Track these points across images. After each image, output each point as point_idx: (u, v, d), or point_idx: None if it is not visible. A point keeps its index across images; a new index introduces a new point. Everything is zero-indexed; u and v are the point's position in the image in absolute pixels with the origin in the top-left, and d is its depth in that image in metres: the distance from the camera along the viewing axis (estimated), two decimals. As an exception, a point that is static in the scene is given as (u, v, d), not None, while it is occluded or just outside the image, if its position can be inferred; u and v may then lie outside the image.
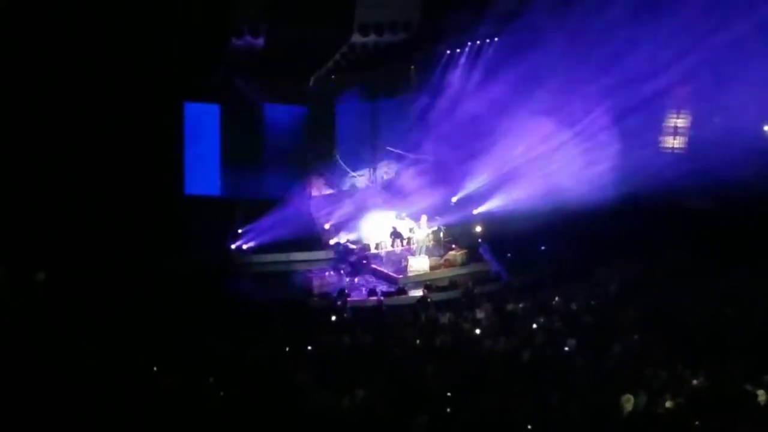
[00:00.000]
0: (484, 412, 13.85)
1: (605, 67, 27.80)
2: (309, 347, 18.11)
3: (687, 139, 31.25)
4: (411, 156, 32.26)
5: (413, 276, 27.03)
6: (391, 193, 31.13)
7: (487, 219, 29.20)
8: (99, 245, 24.16)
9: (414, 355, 17.77)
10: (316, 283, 26.66)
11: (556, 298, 22.45)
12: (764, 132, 30.05)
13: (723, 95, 27.55)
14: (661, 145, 31.60)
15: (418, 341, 19.03)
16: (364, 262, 27.88)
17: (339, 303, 23.74)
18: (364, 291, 26.02)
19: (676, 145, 31.47)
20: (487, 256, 28.21)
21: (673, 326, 18.91)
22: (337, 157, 30.74)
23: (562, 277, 25.09)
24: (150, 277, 23.07)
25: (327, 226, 29.09)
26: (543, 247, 27.78)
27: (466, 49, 31.94)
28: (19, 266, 20.36)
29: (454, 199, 30.49)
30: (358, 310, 23.70)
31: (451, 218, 29.19)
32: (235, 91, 28.13)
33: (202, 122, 28.72)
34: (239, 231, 28.06)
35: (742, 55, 26.60)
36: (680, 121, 31.39)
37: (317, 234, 28.86)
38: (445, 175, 31.03)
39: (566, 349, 17.98)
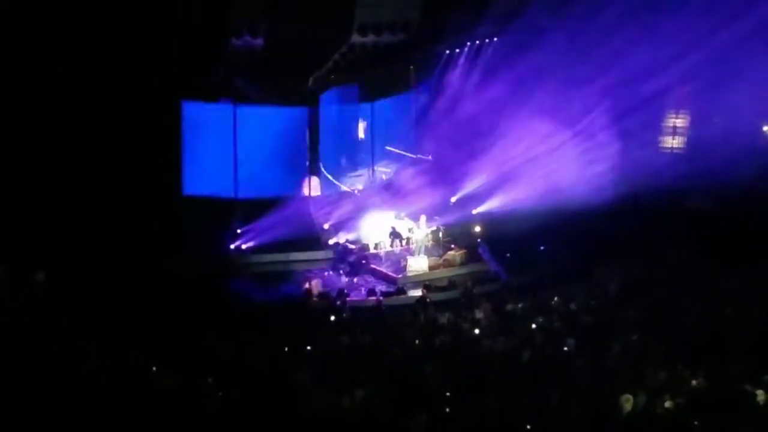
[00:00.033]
0: (484, 412, 13.84)
1: (604, 67, 27.83)
2: (308, 347, 18.11)
3: (686, 139, 31.28)
4: (410, 156, 32.27)
5: (412, 276, 27.03)
6: (390, 193, 31.11)
7: (486, 219, 29.20)
8: (98, 245, 24.17)
9: (413, 355, 17.76)
10: (315, 283, 26.65)
11: (556, 298, 22.45)
12: (763, 132, 30.08)
13: (722, 95, 27.58)
14: (661, 145, 31.63)
15: (417, 341, 19.02)
16: (363, 262, 27.86)
17: (338, 303, 23.75)
18: (363, 291, 26.03)
19: (675, 145, 31.51)
20: (486, 256, 28.20)
21: (673, 326, 18.91)
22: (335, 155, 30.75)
23: (561, 277, 25.09)
24: (150, 277, 23.07)
25: (326, 226, 29.08)
26: (542, 247, 27.77)
27: (465, 49, 31.96)
28: (19, 266, 20.39)
29: (453, 199, 30.51)
30: (358, 310, 23.70)
31: (450, 218, 29.20)
32: (234, 91, 28.12)
33: (202, 122, 28.71)
34: (238, 231, 28.05)
35: (741, 56, 26.63)
36: (679, 121, 31.42)
37: (316, 234, 28.86)
38: (444, 175, 31.04)
39: (565, 349, 17.98)
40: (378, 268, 27.69)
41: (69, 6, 25.10)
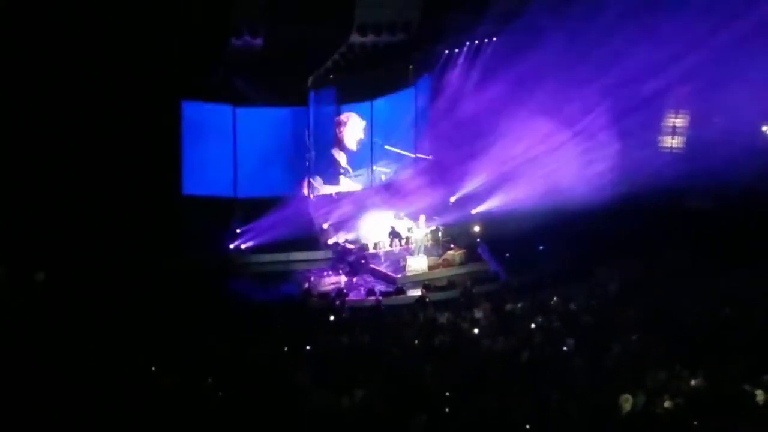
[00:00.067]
0: (483, 412, 13.86)
1: (604, 67, 27.87)
2: (308, 347, 18.12)
3: (685, 139, 31.30)
4: (409, 156, 32.27)
5: (412, 276, 27.02)
6: (390, 192, 31.11)
7: (486, 219, 29.20)
8: (98, 245, 24.17)
9: (412, 355, 17.77)
10: (314, 282, 26.67)
11: (555, 298, 22.45)
12: (762, 132, 30.11)
13: (721, 95, 27.62)
14: (660, 145, 31.65)
15: (416, 341, 19.04)
16: (363, 261, 27.86)
17: (337, 303, 23.76)
18: (362, 291, 26.03)
19: (674, 145, 31.54)
20: (485, 256, 28.20)
21: (672, 326, 18.92)
22: (335, 156, 30.74)
23: (560, 276, 25.09)
24: (149, 277, 23.08)
25: (325, 226, 29.08)
26: (542, 247, 27.76)
27: (465, 48, 31.96)
28: (19, 266, 20.40)
29: (452, 199, 30.51)
30: (357, 310, 23.73)
31: (450, 218, 29.19)
32: (234, 91, 28.10)
33: (201, 122, 28.68)
34: (238, 231, 28.05)
35: (740, 56, 26.68)
36: (679, 121, 31.44)
37: (316, 234, 28.85)
38: (443, 174, 31.05)
39: (565, 349, 17.99)
40: (377, 268, 27.68)
41: (69, 6, 25.11)
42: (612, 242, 26.12)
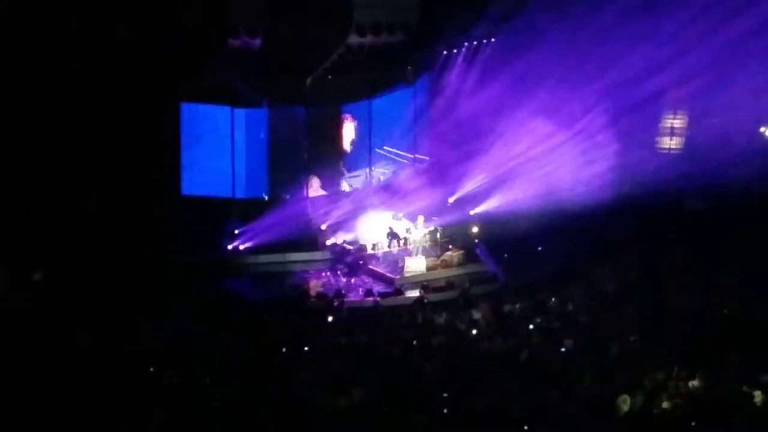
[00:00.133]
0: (481, 413, 13.85)
1: (602, 68, 27.88)
2: (306, 348, 18.11)
3: (684, 139, 31.30)
4: (408, 156, 32.27)
5: (410, 276, 26.98)
6: (388, 193, 31.10)
7: (484, 219, 29.19)
8: (97, 245, 24.15)
9: (411, 356, 17.76)
10: (312, 283, 26.67)
11: (553, 299, 22.43)
12: (760, 133, 30.10)
13: (720, 96, 27.61)
14: (658, 145, 31.65)
15: (414, 342, 19.01)
16: (361, 262, 27.86)
17: (336, 304, 23.74)
18: (360, 292, 26.00)
19: (672, 146, 31.53)
20: (484, 257, 28.19)
21: (670, 327, 18.91)
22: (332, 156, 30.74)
23: (559, 277, 25.06)
24: (147, 277, 23.06)
25: (324, 227, 29.05)
26: (540, 248, 27.74)
27: (464, 49, 31.97)
28: (18, 266, 20.40)
29: (451, 200, 30.51)
30: (355, 310, 23.69)
31: (448, 219, 29.16)
32: (232, 92, 28.09)
33: (199, 123, 28.67)
34: (236, 231, 28.03)
35: (738, 57, 26.67)
36: (677, 122, 31.43)
37: (314, 235, 28.83)
38: (442, 175, 31.06)
39: (563, 349, 17.98)
40: (375, 269, 27.67)
41: (67, 7, 25.09)
42: (610, 243, 26.12)
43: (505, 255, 27.67)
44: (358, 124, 31.33)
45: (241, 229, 28.06)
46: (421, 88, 32.25)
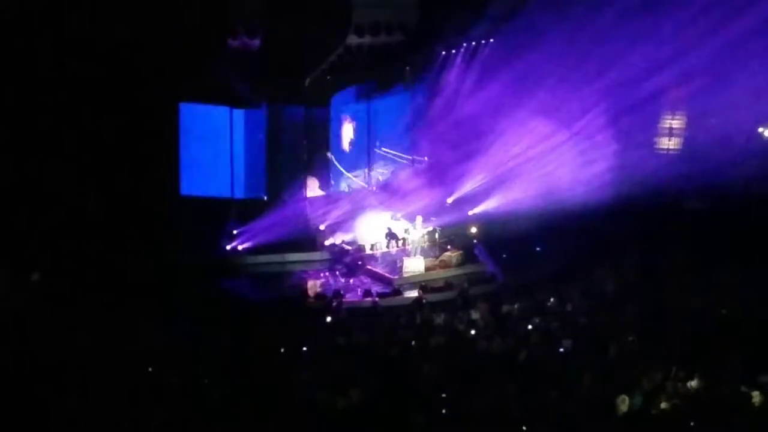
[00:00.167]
0: (480, 413, 13.87)
1: (601, 68, 27.90)
2: (304, 348, 18.12)
3: (682, 140, 31.34)
4: (406, 157, 32.28)
5: (408, 277, 26.97)
6: (387, 194, 31.11)
7: (483, 220, 29.20)
8: (96, 246, 24.15)
9: (410, 356, 17.78)
10: (311, 284, 26.68)
11: (552, 299, 22.44)
12: (759, 133, 30.15)
13: (718, 97, 27.64)
14: (657, 146, 31.69)
15: (413, 342, 19.03)
16: (360, 263, 27.86)
17: (334, 304, 23.75)
18: (359, 292, 25.98)
19: (671, 146, 31.58)
20: (482, 257, 28.19)
21: (669, 327, 18.93)
22: (331, 156, 30.71)
23: (558, 277, 25.07)
24: (147, 277, 23.07)
25: (322, 227, 29.06)
26: (539, 248, 27.76)
27: (462, 49, 31.99)
28: (18, 266, 20.41)
29: (449, 200, 30.52)
30: (354, 311, 23.70)
31: (447, 219, 29.15)
32: (231, 92, 28.10)
33: (198, 123, 28.70)
34: (235, 232, 28.04)
35: (737, 57, 26.69)
36: (675, 123, 31.48)
37: (312, 235, 28.84)
38: (440, 175, 31.06)
39: (562, 350, 18.00)
40: (374, 269, 27.67)
41: (67, 7, 25.10)
42: (609, 243, 26.13)
43: (504, 255, 27.68)
44: (357, 124, 31.37)
45: (239, 230, 28.06)
46: (419, 88, 32.27)
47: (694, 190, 27.38)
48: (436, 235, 28.44)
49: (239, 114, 28.83)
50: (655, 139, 31.70)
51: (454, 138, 30.93)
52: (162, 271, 23.80)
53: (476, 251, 28.46)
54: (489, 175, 30.00)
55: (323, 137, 30.26)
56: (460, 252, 28.05)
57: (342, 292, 25.17)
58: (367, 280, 27.27)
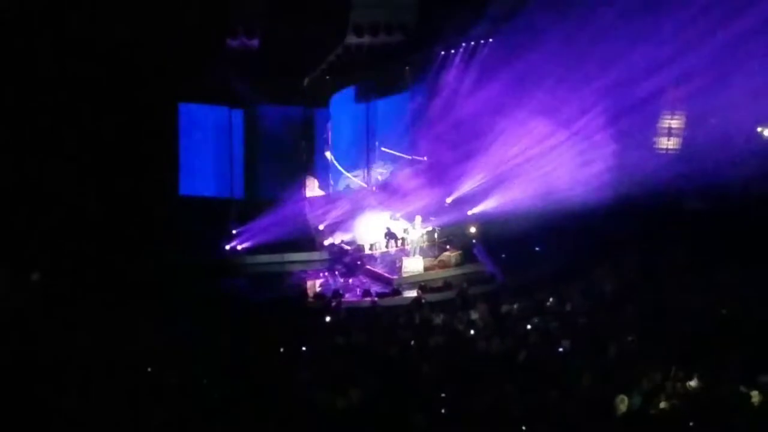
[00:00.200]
0: (479, 413, 13.88)
1: (600, 68, 27.90)
2: (304, 348, 18.13)
3: (681, 140, 31.36)
4: (406, 157, 32.29)
5: (408, 277, 26.99)
6: (386, 193, 31.13)
7: (482, 220, 29.21)
8: (95, 246, 24.16)
9: (409, 356, 17.79)
10: (310, 283, 26.69)
11: (551, 299, 22.45)
12: (758, 133, 30.17)
13: (717, 97, 27.65)
14: (656, 146, 31.71)
15: (412, 342, 19.04)
16: (359, 263, 27.88)
17: (334, 304, 23.76)
18: (358, 292, 26.00)
19: (670, 146, 31.59)
20: (481, 257, 28.19)
21: (668, 327, 18.93)
22: (332, 157, 30.73)
23: (557, 277, 25.08)
24: (146, 277, 23.08)
25: (321, 227, 29.08)
26: (538, 248, 27.78)
27: (461, 49, 32.01)
28: (17, 266, 20.41)
29: (448, 200, 30.54)
30: (353, 311, 23.70)
31: (446, 219, 29.18)
32: (230, 92, 28.11)
33: (198, 123, 28.72)
34: (234, 232, 28.05)
35: (736, 57, 26.71)
36: (675, 122, 31.50)
37: (312, 235, 28.85)
38: (439, 175, 31.08)
39: (561, 350, 18.00)
40: (373, 269, 27.70)
41: (67, 7, 25.10)
42: (609, 243, 26.13)
43: (503, 255, 27.69)
44: (356, 124, 31.39)
45: (239, 230, 28.07)
46: (419, 88, 32.28)
47: (694, 190, 27.39)
48: (435, 235, 28.45)
49: (239, 114, 28.84)
50: (655, 139, 31.71)
51: (454, 138, 30.95)
52: (162, 271, 23.82)
53: (475, 251, 28.47)
54: (488, 174, 30.03)
55: (322, 137, 30.28)
56: (460, 252, 28.07)
57: (341, 292, 25.18)
58: (366, 280, 27.30)
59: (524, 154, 29.66)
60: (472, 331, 19.96)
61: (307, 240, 28.61)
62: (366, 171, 32.27)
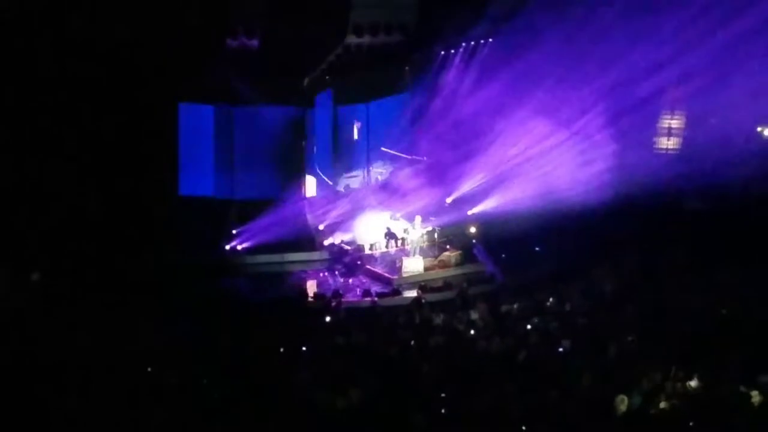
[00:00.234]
0: (479, 413, 13.88)
1: (600, 68, 27.90)
2: (304, 348, 18.13)
3: (681, 140, 31.34)
4: (405, 157, 32.29)
5: (407, 277, 27.00)
6: (386, 193, 31.13)
7: (482, 220, 29.20)
8: (95, 246, 24.17)
9: (409, 356, 17.78)
10: (310, 283, 26.69)
11: (551, 299, 22.45)
12: (758, 133, 30.16)
13: (717, 97, 27.64)
14: (656, 145, 31.69)
15: (412, 342, 19.03)
16: (359, 263, 27.88)
17: (333, 304, 23.76)
18: (358, 292, 26.00)
19: (670, 146, 31.58)
20: (481, 257, 28.20)
21: (668, 327, 18.93)
22: (330, 156, 30.79)
23: (557, 277, 25.07)
24: (146, 277, 23.08)
25: (321, 227, 29.08)
26: (538, 248, 27.78)
27: (461, 49, 32.01)
28: (18, 266, 20.41)
29: (448, 200, 30.53)
30: (353, 311, 23.70)
31: (446, 219, 29.18)
32: (230, 92, 28.12)
33: (197, 123, 28.72)
34: (234, 232, 28.05)
35: (736, 57, 26.70)
36: (675, 122, 31.48)
37: (312, 235, 28.85)
38: (439, 175, 31.06)
39: (561, 350, 18.00)
40: (373, 269, 27.70)
41: (67, 7, 25.11)
42: (608, 243, 26.13)
43: (503, 255, 27.69)
44: (356, 124, 31.40)
45: (239, 229, 28.07)
46: (419, 88, 32.28)
47: (694, 190, 27.37)
48: (435, 235, 28.45)
49: (238, 114, 28.84)
50: (655, 139, 31.70)
51: (454, 138, 30.94)
52: (162, 271, 23.83)
53: (475, 251, 28.48)
54: (488, 174, 30.02)
55: (322, 137, 30.28)
56: (459, 252, 28.08)
57: (341, 292, 25.18)
58: (366, 280, 27.31)
59: (524, 154, 29.65)
60: (472, 331, 19.96)
61: (307, 240, 28.61)
62: (366, 171, 32.28)
